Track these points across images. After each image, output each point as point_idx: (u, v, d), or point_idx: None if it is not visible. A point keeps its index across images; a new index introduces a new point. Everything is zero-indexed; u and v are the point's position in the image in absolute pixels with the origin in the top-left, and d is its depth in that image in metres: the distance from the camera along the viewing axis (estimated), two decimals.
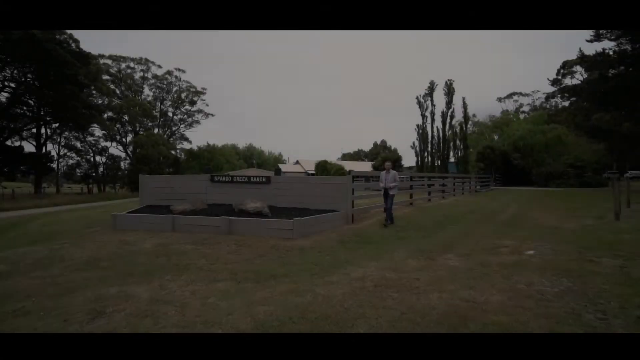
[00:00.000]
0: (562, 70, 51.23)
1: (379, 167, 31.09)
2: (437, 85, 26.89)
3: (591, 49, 18.67)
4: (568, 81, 51.89)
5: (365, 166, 44.37)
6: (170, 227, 6.96)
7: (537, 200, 15.27)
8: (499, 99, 57.30)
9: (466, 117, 27.89)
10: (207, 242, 5.90)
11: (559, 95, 52.22)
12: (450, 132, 27.26)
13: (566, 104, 51.53)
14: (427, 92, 27.49)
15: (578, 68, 48.50)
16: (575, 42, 51.09)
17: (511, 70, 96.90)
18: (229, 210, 7.68)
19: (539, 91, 57.46)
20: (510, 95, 57.23)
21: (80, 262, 4.86)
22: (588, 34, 18.25)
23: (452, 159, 28.70)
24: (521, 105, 56.58)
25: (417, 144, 28.80)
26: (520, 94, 57.22)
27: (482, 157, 31.82)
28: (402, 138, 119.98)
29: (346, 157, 67.03)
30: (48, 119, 29.21)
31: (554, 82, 55.91)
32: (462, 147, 27.38)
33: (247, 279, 3.99)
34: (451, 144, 27.70)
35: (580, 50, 18.34)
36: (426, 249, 5.51)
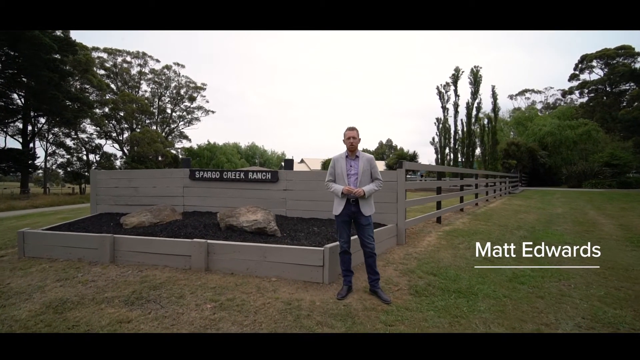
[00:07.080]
0: (580, 65, 48.62)
1: (392, 166, 27.93)
2: (462, 72, 23.72)
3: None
4: (586, 76, 49.46)
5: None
6: (108, 256, 4.05)
7: (602, 203, 12.28)
8: (510, 96, 54.89)
9: (496, 108, 24.68)
10: (156, 295, 3.00)
11: (577, 91, 49.57)
12: (476, 125, 24.06)
13: (584, 100, 48.76)
14: (450, 81, 24.35)
15: (597, 62, 45.98)
16: (577, 42, 48.70)
17: (516, 68, 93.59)
18: (212, 224, 4.79)
19: (552, 88, 54.71)
20: (522, 92, 54.89)
21: None
22: (589, 33, 15.36)
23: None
24: (534, 102, 54.07)
25: (437, 139, 25.66)
26: (532, 91, 54.79)
27: (507, 154, 28.80)
28: (406, 138, 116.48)
29: None
30: (31, 113, 26.54)
31: (572, 77, 53.42)
32: (490, 142, 24.15)
33: None
34: (477, 138, 24.49)
35: None
36: (606, 317, 2.61)
